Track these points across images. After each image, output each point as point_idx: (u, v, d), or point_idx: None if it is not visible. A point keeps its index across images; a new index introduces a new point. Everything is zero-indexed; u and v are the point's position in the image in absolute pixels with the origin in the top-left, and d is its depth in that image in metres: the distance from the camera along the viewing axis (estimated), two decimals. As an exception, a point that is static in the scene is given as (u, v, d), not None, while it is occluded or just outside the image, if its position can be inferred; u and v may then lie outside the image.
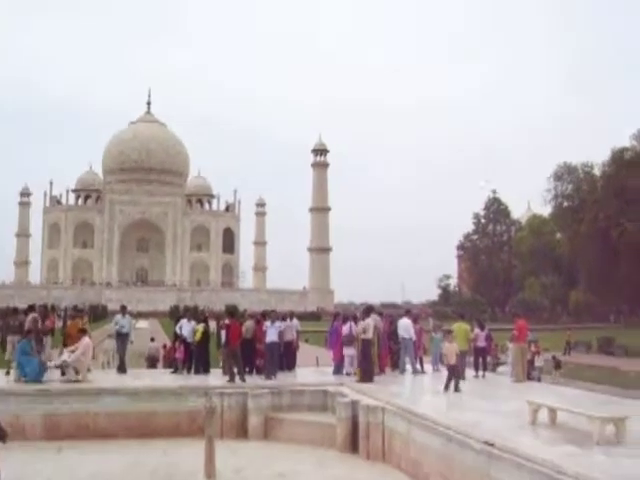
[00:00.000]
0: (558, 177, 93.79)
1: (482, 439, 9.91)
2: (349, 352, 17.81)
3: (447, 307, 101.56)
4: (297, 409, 15.65)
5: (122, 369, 18.29)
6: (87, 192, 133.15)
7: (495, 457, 9.38)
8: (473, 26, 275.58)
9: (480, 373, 18.66)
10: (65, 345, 18.56)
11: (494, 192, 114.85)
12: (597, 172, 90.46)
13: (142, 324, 55.73)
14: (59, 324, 19.51)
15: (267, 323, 17.70)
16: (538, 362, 24.34)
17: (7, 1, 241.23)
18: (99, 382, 16.42)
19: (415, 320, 20.12)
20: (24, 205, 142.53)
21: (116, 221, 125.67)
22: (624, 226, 76.97)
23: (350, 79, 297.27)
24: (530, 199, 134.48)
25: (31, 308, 19.30)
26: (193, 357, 18.24)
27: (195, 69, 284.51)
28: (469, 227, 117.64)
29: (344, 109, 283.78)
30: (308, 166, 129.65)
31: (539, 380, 22.35)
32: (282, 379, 17.10)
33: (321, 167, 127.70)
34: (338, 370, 18.39)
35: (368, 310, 18.17)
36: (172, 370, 18.90)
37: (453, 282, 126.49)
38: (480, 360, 18.91)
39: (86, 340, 16.91)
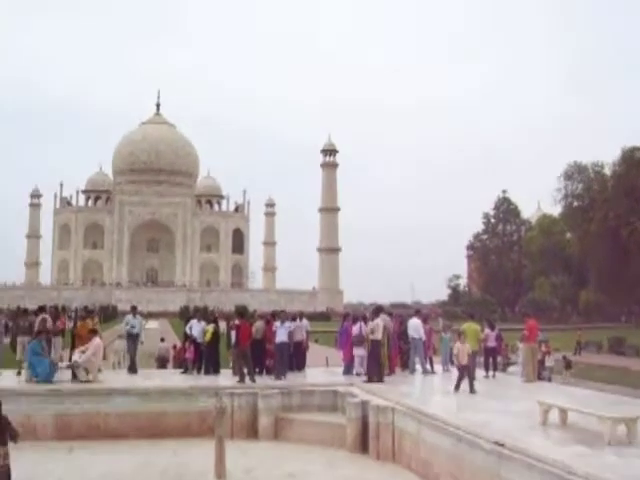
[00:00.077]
0: (568, 176, 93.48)
1: (492, 439, 9.90)
2: (359, 352, 17.81)
3: (457, 307, 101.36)
4: (307, 409, 15.66)
5: (133, 369, 18.34)
6: (97, 193, 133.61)
7: (505, 457, 9.36)
8: (473, 26, 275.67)
9: (490, 373, 18.62)
10: (73, 346, 18.64)
11: (504, 192, 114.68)
12: (607, 171, 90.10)
13: (152, 324, 55.57)
14: (70, 325, 19.56)
15: (277, 323, 17.71)
16: (548, 362, 24.28)
17: (13, 2, 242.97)
18: (110, 382, 16.48)
19: (425, 320, 20.10)
20: (34, 206, 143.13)
21: (126, 222, 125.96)
22: (634, 225, 76.64)
23: (352, 79, 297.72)
24: (540, 199, 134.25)
25: (41, 309, 19.37)
26: (203, 357, 18.27)
27: (202, 70, 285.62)
28: (479, 227, 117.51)
29: (346, 109, 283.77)
30: (317, 166, 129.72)
31: (549, 380, 22.29)
32: (292, 379, 17.11)
33: (330, 167, 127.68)
34: (348, 370, 18.39)
35: (377, 310, 18.16)
36: (182, 370, 18.94)
37: (463, 282, 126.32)
38: (490, 360, 18.88)
39: (97, 340, 16.97)
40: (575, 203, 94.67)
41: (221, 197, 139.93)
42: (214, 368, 18.16)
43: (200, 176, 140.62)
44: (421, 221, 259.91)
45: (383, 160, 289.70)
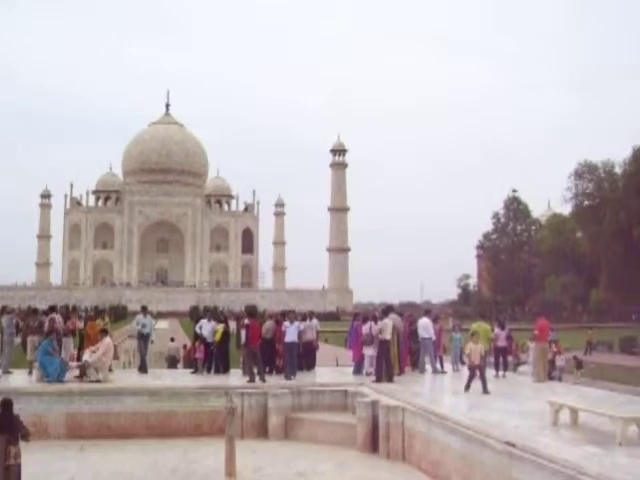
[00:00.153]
0: (579, 175, 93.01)
1: (503, 439, 9.87)
2: (369, 352, 17.80)
3: (467, 307, 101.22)
4: (317, 409, 15.67)
5: (143, 369, 18.40)
6: (107, 193, 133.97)
7: (516, 458, 9.33)
8: (485, 25, 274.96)
9: (500, 373, 18.59)
10: (81, 346, 18.71)
11: (514, 191, 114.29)
12: (618, 170, 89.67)
13: (162, 324, 55.94)
14: (80, 325, 19.62)
15: (286, 323, 17.73)
16: (559, 362, 24.17)
17: (24, 5, 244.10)
18: (120, 382, 16.55)
19: (435, 320, 20.10)
20: (45, 207, 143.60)
21: (136, 222, 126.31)
22: (645, 224, 76.25)
23: (362, 79, 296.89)
24: (550, 198, 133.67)
25: (52, 309, 19.46)
26: (213, 357, 18.31)
27: (212, 71, 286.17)
28: (488, 226, 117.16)
29: (356, 109, 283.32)
30: (326, 166, 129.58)
31: (560, 380, 22.20)
32: (302, 379, 17.13)
33: (340, 167, 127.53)
34: (358, 370, 18.40)
35: (386, 310, 18.16)
36: (192, 370, 18.98)
37: (473, 282, 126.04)
38: (501, 360, 18.84)
39: (107, 340, 17.04)
40: (586, 202, 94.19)
41: (231, 197, 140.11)
42: (224, 368, 18.21)
43: (210, 176, 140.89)
44: (430, 221, 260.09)
45: (392, 160, 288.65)
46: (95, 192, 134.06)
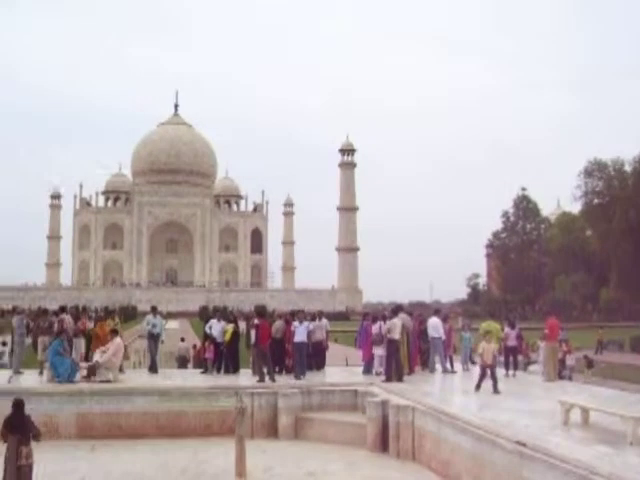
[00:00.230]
0: (588, 173, 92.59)
1: (514, 439, 9.85)
2: (379, 352, 17.79)
3: (476, 306, 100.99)
4: (327, 409, 15.67)
5: (153, 369, 18.44)
6: (116, 194, 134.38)
7: (527, 457, 9.31)
8: (489, 24, 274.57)
9: (511, 372, 18.55)
10: (89, 346, 18.77)
11: (523, 190, 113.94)
12: (628, 168, 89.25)
13: (172, 324, 56.04)
14: (90, 325, 19.70)
15: (295, 323, 17.74)
16: (569, 361, 24.09)
17: (25, 5, 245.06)
18: (130, 382, 16.59)
19: (445, 319, 20.07)
20: (55, 208, 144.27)
21: (145, 222, 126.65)
22: (656, 222, 75.92)
23: (369, 79, 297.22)
24: (559, 197, 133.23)
25: (62, 309, 19.53)
26: (223, 357, 18.33)
27: (220, 72, 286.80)
28: (498, 225, 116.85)
29: (364, 109, 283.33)
30: (335, 166, 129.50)
31: (570, 379, 22.13)
32: (312, 379, 17.13)
33: (348, 167, 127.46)
34: (368, 370, 18.39)
35: (396, 310, 18.15)
36: (202, 370, 19.01)
37: (482, 281, 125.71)
38: (511, 359, 18.80)
39: (117, 340, 17.10)
40: (595, 200, 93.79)
41: (239, 197, 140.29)
42: (234, 368, 18.23)
43: (218, 176, 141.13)
44: (440, 220, 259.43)
45: (401, 159, 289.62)
46: (104, 193, 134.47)
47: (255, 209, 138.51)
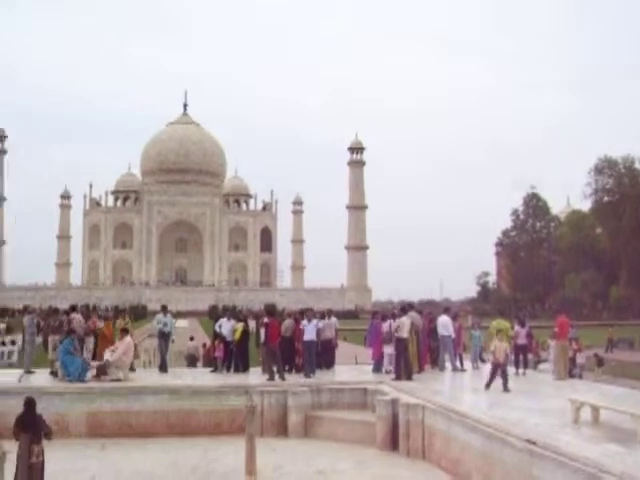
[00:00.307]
0: (598, 171, 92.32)
1: (524, 437, 9.83)
2: (389, 350, 17.77)
3: (486, 304, 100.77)
4: (337, 407, 15.68)
5: (163, 368, 18.46)
6: (126, 194, 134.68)
7: (537, 455, 9.29)
8: (489, 24, 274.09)
9: (521, 371, 18.50)
10: (96, 345, 18.83)
11: (532, 188, 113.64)
12: (638, 166, 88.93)
13: (181, 323, 56.19)
14: (100, 324, 19.76)
15: (304, 322, 17.75)
16: (580, 359, 24.02)
17: (36, 6, 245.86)
18: (140, 381, 16.64)
19: (455, 317, 20.04)
20: (64, 207, 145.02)
21: (154, 222, 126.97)
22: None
23: (376, 79, 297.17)
24: (569, 194, 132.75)
25: (73, 308, 19.60)
26: (233, 356, 18.36)
27: (223, 72, 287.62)
28: (507, 224, 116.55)
29: (372, 107, 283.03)
30: (344, 164, 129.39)
31: (581, 378, 22.08)
32: (321, 377, 17.13)
33: (357, 165, 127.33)
34: (377, 368, 18.38)
35: (404, 308, 18.14)
36: (212, 369, 19.04)
37: (492, 279, 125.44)
38: (521, 357, 18.75)
39: (128, 339, 17.15)
40: (605, 198, 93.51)
41: (249, 196, 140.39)
42: (244, 366, 18.25)
43: (227, 176, 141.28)
44: (449, 219, 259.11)
45: (410, 158, 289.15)
46: (114, 192, 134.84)
47: (264, 208, 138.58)
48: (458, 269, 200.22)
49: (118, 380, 16.15)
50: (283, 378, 16.44)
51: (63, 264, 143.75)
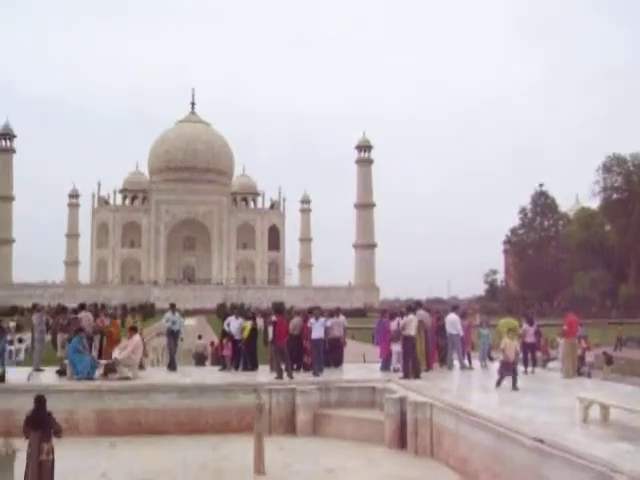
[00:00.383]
0: (607, 169, 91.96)
1: (532, 436, 9.81)
2: (397, 348, 17.77)
3: (494, 302, 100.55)
4: (345, 405, 15.69)
5: (172, 367, 18.51)
6: (134, 192, 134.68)
7: (546, 454, 9.26)
8: (502, 28, 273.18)
9: (529, 369, 18.46)
10: (101, 344, 18.88)
11: (540, 185, 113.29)
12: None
13: (189, 322, 56.31)
14: (108, 323, 19.83)
15: (312, 320, 17.76)
16: (588, 358, 23.95)
17: (55, 7, 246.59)
18: (149, 379, 16.69)
19: (463, 316, 20.01)
20: (73, 206, 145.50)
21: (163, 220, 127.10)
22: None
23: (380, 79, 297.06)
24: (578, 192, 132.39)
25: (82, 307, 19.66)
26: (241, 354, 18.38)
27: (235, 70, 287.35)
28: (515, 222, 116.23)
29: (379, 108, 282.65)
30: (352, 162, 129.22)
31: (589, 376, 22.01)
32: (330, 375, 17.14)
33: (365, 163, 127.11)
34: (385, 366, 18.37)
35: (411, 306, 18.13)
36: (220, 367, 19.07)
37: (500, 277, 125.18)
38: (529, 356, 18.70)
39: (136, 338, 17.20)
40: (614, 196, 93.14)
41: (256, 194, 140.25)
42: (252, 365, 18.27)
43: (235, 174, 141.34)
44: (457, 217, 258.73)
45: (419, 157, 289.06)
46: (122, 191, 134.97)
47: (272, 206, 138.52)
48: (466, 267, 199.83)
49: (127, 378, 16.20)
50: (291, 376, 16.46)
51: (72, 263, 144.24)
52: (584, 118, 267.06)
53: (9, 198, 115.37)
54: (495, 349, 19.53)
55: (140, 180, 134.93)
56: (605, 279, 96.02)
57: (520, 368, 18.01)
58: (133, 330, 17.54)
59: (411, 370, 16.59)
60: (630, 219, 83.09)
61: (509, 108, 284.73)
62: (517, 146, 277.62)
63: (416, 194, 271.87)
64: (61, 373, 16.92)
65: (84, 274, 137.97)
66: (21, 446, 9.34)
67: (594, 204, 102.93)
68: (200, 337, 29.00)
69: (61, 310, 21.84)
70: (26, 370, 17.97)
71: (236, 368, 18.32)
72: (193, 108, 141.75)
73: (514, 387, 14.76)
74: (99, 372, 16.40)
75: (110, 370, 16.41)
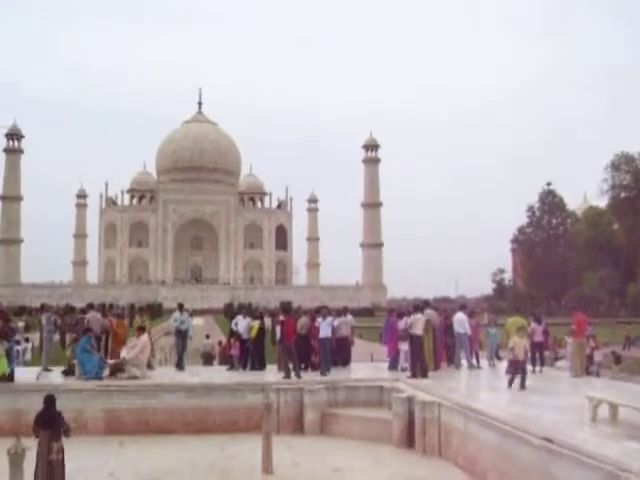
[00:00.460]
0: (615, 167, 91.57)
1: (541, 435, 9.78)
2: (405, 347, 17.75)
3: (502, 301, 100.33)
4: (353, 405, 15.68)
5: (180, 366, 18.53)
6: (141, 192, 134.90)
7: (555, 453, 9.24)
8: (501, 25, 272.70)
9: (537, 368, 18.41)
10: (107, 344, 18.91)
11: (548, 184, 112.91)
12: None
13: (197, 321, 56.37)
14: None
15: (319, 319, 17.76)
16: (597, 357, 23.87)
17: (59, 7, 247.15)
18: (157, 379, 16.71)
19: (471, 315, 19.97)
20: (81, 207, 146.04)
21: (170, 220, 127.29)
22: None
23: (385, 79, 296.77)
24: (586, 191, 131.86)
25: (90, 306, 19.71)
26: (249, 354, 18.39)
27: (242, 69, 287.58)
28: (523, 220, 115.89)
29: (386, 108, 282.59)
30: (359, 162, 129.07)
31: (598, 375, 21.94)
32: (337, 375, 17.14)
33: (372, 162, 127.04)
34: (393, 366, 18.36)
35: (418, 305, 18.12)
36: (228, 367, 19.09)
37: (508, 276, 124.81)
38: (537, 355, 18.65)
39: (144, 337, 17.23)
40: (623, 194, 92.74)
41: (264, 194, 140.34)
42: (260, 364, 18.28)
43: (242, 173, 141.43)
44: (464, 216, 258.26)
45: (419, 156, 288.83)
46: (130, 191, 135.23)
47: (279, 206, 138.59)
48: (473, 266, 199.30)
49: (135, 378, 16.24)
50: (299, 376, 16.46)
51: (80, 263, 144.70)
52: (584, 118, 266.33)
53: (17, 198, 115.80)
54: (503, 348, 19.49)
55: (147, 180, 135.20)
56: (613, 278, 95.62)
57: (528, 367, 17.99)
58: (141, 330, 17.58)
59: (419, 369, 16.58)
60: (638, 217, 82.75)
61: (509, 108, 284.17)
62: (517, 146, 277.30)
63: (417, 194, 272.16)
64: (67, 373, 16.95)
65: (92, 274, 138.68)
66: (31, 445, 9.36)
67: (602, 202, 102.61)
68: (208, 337, 29.04)
69: (69, 310, 21.93)
70: (34, 370, 18.02)
71: (244, 367, 18.34)
72: (200, 108, 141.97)
73: (522, 386, 14.73)
74: (106, 372, 16.44)
75: (118, 369, 16.46)
